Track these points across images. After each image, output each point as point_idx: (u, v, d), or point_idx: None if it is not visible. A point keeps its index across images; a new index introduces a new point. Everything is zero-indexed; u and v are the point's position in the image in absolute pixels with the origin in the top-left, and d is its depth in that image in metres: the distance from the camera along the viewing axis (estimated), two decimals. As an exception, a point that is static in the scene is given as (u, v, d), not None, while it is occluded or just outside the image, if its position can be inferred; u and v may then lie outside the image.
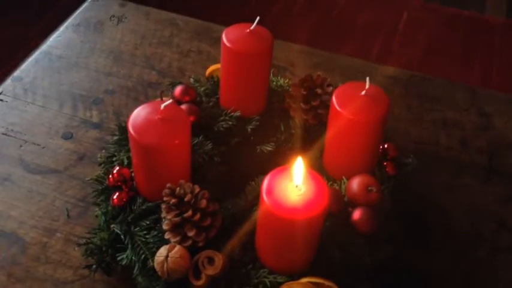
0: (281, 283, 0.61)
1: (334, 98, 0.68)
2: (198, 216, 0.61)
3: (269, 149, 0.77)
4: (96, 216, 0.71)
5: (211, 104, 0.81)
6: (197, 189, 0.63)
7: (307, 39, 2.01)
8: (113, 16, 1.10)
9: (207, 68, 0.98)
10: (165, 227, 0.62)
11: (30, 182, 0.81)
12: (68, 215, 0.77)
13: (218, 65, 0.85)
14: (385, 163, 0.74)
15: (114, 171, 0.70)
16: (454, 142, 0.89)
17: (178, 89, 0.79)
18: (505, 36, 2.10)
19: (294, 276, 0.61)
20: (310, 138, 0.77)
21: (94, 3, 1.13)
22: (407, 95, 0.96)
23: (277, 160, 0.78)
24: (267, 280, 0.61)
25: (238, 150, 0.77)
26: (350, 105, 0.67)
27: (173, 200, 0.61)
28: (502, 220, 0.79)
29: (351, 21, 2.15)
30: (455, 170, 0.85)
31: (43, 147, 0.86)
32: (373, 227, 0.64)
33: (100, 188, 0.73)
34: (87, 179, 0.77)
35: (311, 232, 0.58)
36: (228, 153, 0.76)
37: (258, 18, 0.74)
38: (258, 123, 0.78)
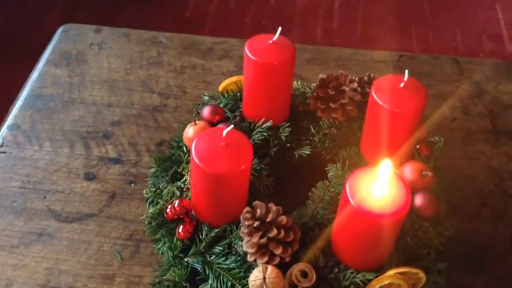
0: (370, 280, 0.64)
1: (373, 92, 0.71)
2: (282, 233, 0.62)
3: (307, 152, 0.79)
4: (162, 253, 0.70)
5: (237, 118, 0.81)
6: (273, 207, 0.64)
7: (254, 32, 2.03)
8: (92, 44, 1.06)
9: (207, 82, 0.98)
10: (249, 249, 0.63)
11: (68, 232, 0.78)
12: (121, 257, 0.75)
13: (232, 79, 0.86)
14: (417, 146, 0.78)
15: (176, 205, 0.69)
16: (457, 112, 0.96)
17: (207, 110, 0.79)
18: (434, 2, 2.22)
19: (380, 271, 0.64)
20: (342, 135, 0.80)
21: (67, 33, 1.08)
22: (402, 76, 1.01)
23: (316, 162, 0.81)
24: (357, 279, 0.64)
25: (278, 159, 0.79)
26: (390, 98, 0.70)
27: (256, 223, 0.62)
28: (520, 177, 0.87)
29: (289, 7, 2.19)
30: (466, 138, 0.91)
31: (69, 193, 0.83)
32: (436, 211, 0.68)
33: (154, 224, 0.72)
34: (142, 217, 0.75)
35: (396, 229, 0.61)
36: (270, 164, 0.77)
37: (279, 28, 0.75)
38: (290, 128, 0.79)
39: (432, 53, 1.98)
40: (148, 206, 0.76)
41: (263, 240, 0.62)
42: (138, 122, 0.93)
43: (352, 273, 0.64)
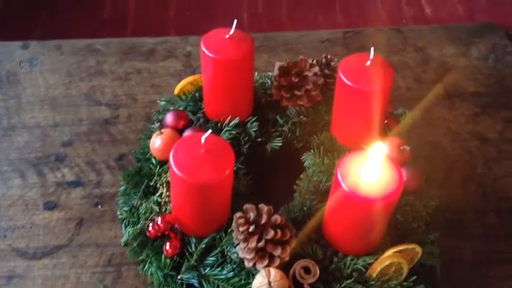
0: (371, 263, 0.63)
1: (341, 73, 0.69)
2: (279, 233, 0.60)
3: (279, 144, 0.77)
4: (150, 274, 0.66)
5: (201, 120, 0.77)
6: (265, 208, 0.61)
7: (182, 26, 1.97)
8: (22, 61, 0.98)
9: (156, 86, 0.94)
10: (247, 255, 0.60)
11: (40, 269, 0.72)
12: (103, 286, 0.70)
13: (187, 80, 0.82)
14: (385, 121, 0.78)
15: (158, 222, 0.65)
16: (409, 81, 0.97)
17: (170, 117, 0.74)
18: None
19: (378, 253, 0.64)
20: (311, 121, 0.78)
21: (-9, 53, 0.99)
22: (350, 53, 1.00)
23: (290, 152, 0.79)
24: (359, 265, 0.63)
25: (250, 156, 0.76)
26: (359, 77, 0.69)
27: (251, 227, 0.59)
28: (479, 132, 0.89)
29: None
30: (428, 106, 0.93)
31: (31, 227, 0.76)
32: (420, 183, 0.69)
33: (135, 244, 0.68)
34: (123, 243, 0.70)
35: (391, 211, 0.61)
36: (245, 162, 0.75)
37: (235, 21, 0.72)
38: (257, 123, 0.77)
39: (357, 26, 2.01)
40: (125, 227, 0.71)
41: (261, 244, 0.59)
42: (90, 138, 0.87)
43: (352, 260, 0.63)
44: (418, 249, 0.65)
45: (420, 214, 0.69)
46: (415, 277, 0.63)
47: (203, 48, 0.71)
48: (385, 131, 0.76)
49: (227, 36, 0.72)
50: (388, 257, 0.63)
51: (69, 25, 1.97)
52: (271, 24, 2.03)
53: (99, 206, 0.78)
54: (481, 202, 0.80)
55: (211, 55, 0.71)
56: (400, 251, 0.64)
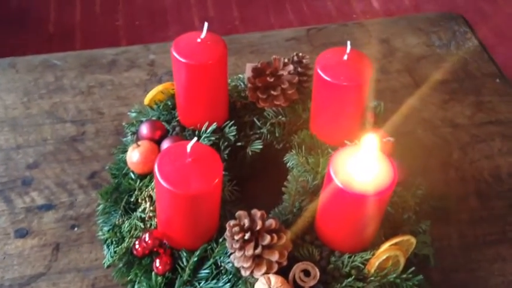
0: (369, 259, 0.62)
1: (318, 69, 0.68)
2: (275, 238, 0.58)
3: (259, 147, 0.75)
4: (141, 294, 0.63)
5: (177, 129, 0.75)
6: (258, 213, 0.59)
7: (131, 35, 1.93)
8: (-26, 83, 0.92)
9: (122, 98, 0.91)
10: (243, 263, 0.58)
11: (19, 302, 0.67)
12: (90, 312, 0.66)
13: (157, 88, 0.79)
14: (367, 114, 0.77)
15: (146, 238, 0.62)
16: (377, 73, 0.97)
17: (145, 128, 0.71)
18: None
19: (374, 248, 0.63)
20: (290, 120, 0.77)
21: None
22: (316, 50, 1.00)
23: (271, 154, 0.77)
24: (357, 263, 0.62)
25: (231, 161, 0.74)
26: (337, 72, 0.68)
27: (247, 234, 0.57)
28: (450, 119, 0.90)
29: (159, 3, 2.10)
30: (393, 97, 0.93)
31: (4, 258, 0.71)
32: (406, 174, 0.68)
33: (121, 265, 0.65)
34: (105, 265, 0.66)
35: (385, 206, 0.60)
36: (226, 168, 0.72)
37: (206, 24, 0.69)
38: (235, 126, 0.75)
39: (308, 23, 2.02)
40: (107, 247, 0.68)
41: (258, 251, 0.57)
42: (58, 158, 0.82)
43: (349, 257, 0.62)
44: (413, 240, 0.64)
45: (409, 204, 0.69)
46: (413, 268, 0.63)
47: (174, 54, 0.68)
48: (364, 125, 0.76)
49: (198, 40, 0.69)
50: (385, 250, 0.62)
51: (15, 43, 1.89)
52: (224, 28, 2.01)
53: (75, 228, 0.74)
54: (461, 187, 0.81)
55: (183, 60, 0.68)
56: (395, 244, 0.63)
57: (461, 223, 0.77)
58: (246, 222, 0.58)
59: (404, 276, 0.62)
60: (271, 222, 0.59)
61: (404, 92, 0.94)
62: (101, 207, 0.69)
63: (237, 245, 0.58)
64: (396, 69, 0.98)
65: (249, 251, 0.57)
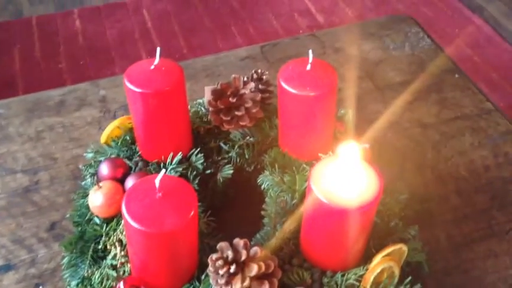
0: (362, 275, 0.58)
1: (282, 81, 0.65)
2: (263, 266, 0.53)
3: (230, 172, 0.70)
4: None
5: (140, 164, 0.69)
6: (240, 242, 0.55)
7: (77, 76, 1.86)
8: None
9: (75, 139, 0.85)
10: (233, 301, 0.53)
11: None
12: None
13: (113, 124, 0.73)
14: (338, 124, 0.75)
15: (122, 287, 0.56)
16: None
17: (105, 167, 0.66)
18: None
19: (366, 262, 0.59)
20: (258, 140, 0.73)
21: None
22: (273, 66, 0.98)
23: (242, 177, 0.73)
24: (351, 280, 0.58)
25: (202, 191, 0.69)
26: (301, 82, 0.65)
27: (232, 267, 0.52)
28: (418, 119, 0.89)
29: (101, 41, 2.04)
30: (358, 104, 0.90)
31: (-39, 333, 0.63)
32: (386, 180, 0.65)
33: (97, 321, 0.58)
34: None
35: (373, 217, 0.57)
36: (199, 199, 0.67)
37: (158, 49, 0.65)
38: (202, 154, 0.70)
39: (257, 43, 2.01)
40: (78, 303, 0.61)
41: (246, 284, 0.52)
42: (12, 212, 0.75)
43: (342, 276, 0.58)
44: (404, 248, 0.61)
45: (394, 211, 0.66)
46: (410, 278, 0.59)
47: (128, 84, 0.64)
48: (335, 136, 0.73)
49: (152, 67, 0.65)
50: (379, 263, 0.58)
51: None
52: (173, 57, 1.97)
53: (40, 287, 0.67)
54: (440, 186, 0.79)
55: (138, 90, 0.64)
56: (388, 254, 0.60)
57: (447, 224, 0.74)
58: (229, 253, 0.53)
59: (402, 287, 0.59)
60: (256, 251, 0.54)
61: (367, 98, 0.92)
62: (66, 260, 0.63)
63: (222, 280, 0.53)
64: (356, 76, 0.96)
65: (237, 285, 0.52)
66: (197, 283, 0.58)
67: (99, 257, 0.63)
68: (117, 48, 2.02)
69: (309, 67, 0.65)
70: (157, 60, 0.65)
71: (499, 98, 1.77)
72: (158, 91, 0.64)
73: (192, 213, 0.52)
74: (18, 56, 1.98)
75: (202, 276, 0.58)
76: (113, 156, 0.71)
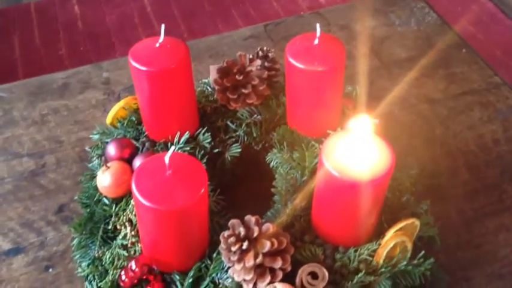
0: (375, 250, 0.58)
1: (289, 57, 0.64)
2: (276, 243, 0.53)
3: (238, 151, 0.70)
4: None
5: (147, 144, 0.69)
6: (252, 219, 0.54)
7: (77, 62, 1.84)
8: None
9: (80, 122, 0.84)
10: (245, 276, 0.53)
11: None
12: None
13: (118, 105, 0.73)
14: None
15: (133, 267, 0.55)
16: (344, 60, 0.94)
17: (112, 148, 0.65)
18: None
19: (379, 237, 0.59)
20: (266, 118, 0.72)
21: None
22: (277, 44, 0.96)
23: (251, 156, 0.72)
24: (364, 256, 0.57)
25: (212, 169, 0.68)
26: (310, 58, 0.64)
27: (245, 243, 0.52)
28: (425, 95, 0.88)
29: (100, 26, 2.02)
30: (369, 80, 0.89)
31: (-27, 316, 0.63)
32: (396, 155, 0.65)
33: (108, 301, 0.58)
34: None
35: (385, 191, 0.56)
36: (208, 178, 0.67)
37: (163, 26, 0.64)
38: (209, 133, 0.70)
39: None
40: (90, 284, 0.61)
41: (259, 260, 0.52)
42: (19, 196, 0.75)
43: (355, 251, 0.58)
44: (417, 223, 0.61)
45: (405, 186, 0.65)
46: (423, 252, 0.59)
47: (133, 63, 0.63)
48: (343, 112, 0.72)
49: (157, 45, 0.64)
50: (391, 238, 0.58)
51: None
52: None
53: (50, 270, 0.67)
54: (450, 161, 0.78)
55: (144, 68, 0.63)
56: (400, 229, 0.59)
57: (457, 198, 0.74)
58: (241, 230, 0.52)
59: (415, 262, 0.58)
60: (268, 227, 0.54)
61: (374, 75, 0.91)
62: (75, 241, 0.63)
63: (235, 257, 0.52)
64: (362, 53, 0.95)
65: (250, 262, 0.52)
66: (209, 261, 0.57)
67: (109, 237, 0.62)
68: (117, 33, 2.01)
69: (316, 41, 0.64)
70: (162, 38, 0.64)
71: (503, 74, 1.75)
72: (164, 69, 0.63)
73: (203, 190, 0.52)
74: (18, 43, 1.96)
75: (214, 254, 0.57)
76: (119, 137, 0.70)
